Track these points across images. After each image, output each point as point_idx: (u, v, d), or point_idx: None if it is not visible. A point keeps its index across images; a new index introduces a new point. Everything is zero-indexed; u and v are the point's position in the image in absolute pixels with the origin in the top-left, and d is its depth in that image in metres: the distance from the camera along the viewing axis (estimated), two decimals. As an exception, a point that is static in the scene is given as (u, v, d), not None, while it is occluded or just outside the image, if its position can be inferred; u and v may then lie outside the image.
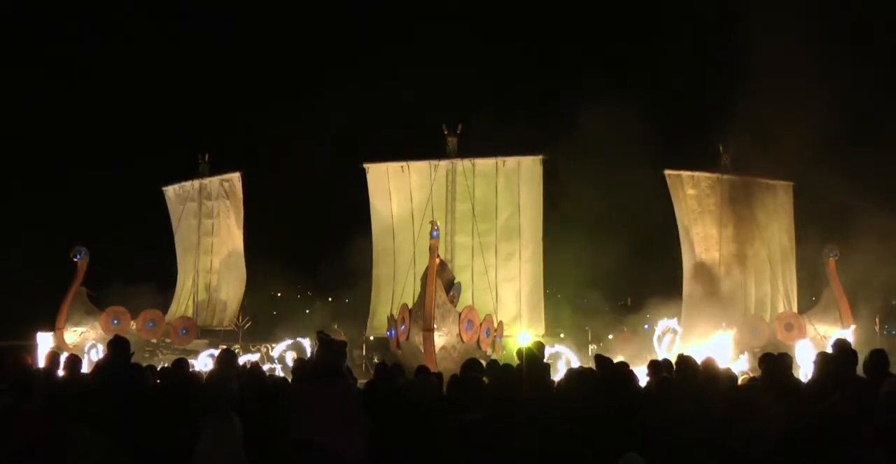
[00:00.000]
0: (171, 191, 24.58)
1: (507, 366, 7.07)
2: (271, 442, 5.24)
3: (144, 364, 8.63)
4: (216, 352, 11.08)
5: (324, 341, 5.60)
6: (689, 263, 21.89)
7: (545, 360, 6.95)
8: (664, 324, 19.54)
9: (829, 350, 6.65)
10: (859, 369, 6.13)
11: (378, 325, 21.98)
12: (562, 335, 23.68)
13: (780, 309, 21.47)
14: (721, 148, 21.91)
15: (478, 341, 18.25)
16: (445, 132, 22.01)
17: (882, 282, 20.05)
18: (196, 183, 23.89)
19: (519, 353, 6.77)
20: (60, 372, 8.00)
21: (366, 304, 23.24)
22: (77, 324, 20.54)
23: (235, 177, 23.48)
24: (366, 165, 22.95)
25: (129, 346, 6.64)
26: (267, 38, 44.91)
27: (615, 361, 7.67)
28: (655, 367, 7.68)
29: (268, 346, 20.77)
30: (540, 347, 7.17)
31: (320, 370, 5.20)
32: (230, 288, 23.44)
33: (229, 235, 23.64)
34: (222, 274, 23.59)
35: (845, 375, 5.89)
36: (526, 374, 6.49)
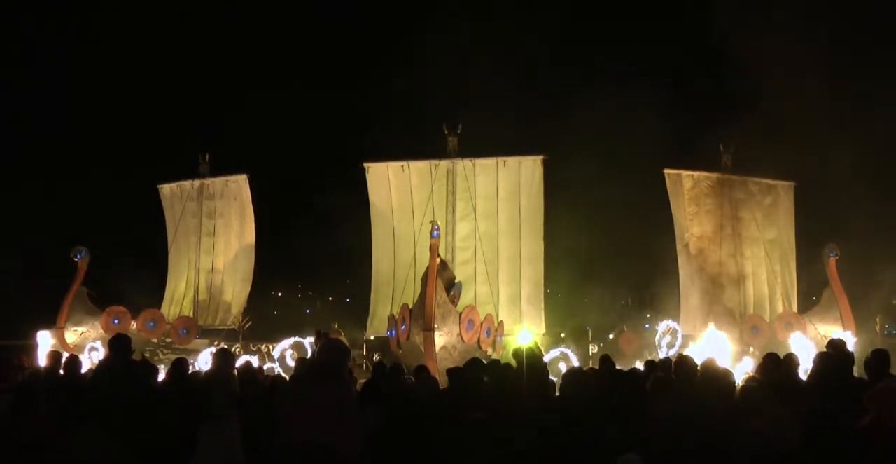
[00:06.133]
0: (166, 189, 24.52)
1: (508, 366, 7.08)
2: (270, 441, 5.25)
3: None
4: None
5: (327, 341, 5.59)
6: (687, 263, 21.88)
7: (546, 361, 6.96)
8: (665, 324, 19.55)
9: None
10: (857, 369, 6.14)
11: (378, 325, 21.98)
12: (562, 335, 23.71)
13: (780, 309, 21.48)
14: (721, 148, 21.92)
15: (478, 341, 18.24)
16: (446, 132, 22.02)
17: (882, 282, 20.07)
18: (197, 183, 23.85)
19: (517, 353, 6.77)
20: (61, 372, 8.00)
21: (366, 304, 23.25)
22: (77, 323, 20.54)
23: (242, 179, 23.51)
24: (366, 165, 22.95)
25: (129, 343, 6.63)
26: (266, 38, 44.95)
27: (617, 361, 7.69)
28: (653, 367, 7.69)
29: (268, 346, 20.76)
30: (538, 346, 7.18)
31: (319, 369, 5.20)
32: (235, 288, 23.46)
33: (235, 235, 23.65)
34: (226, 274, 23.59)
35: (842, 375, 5.89)
36: (526, 373, 6.49)
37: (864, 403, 4.68)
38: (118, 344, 6.52)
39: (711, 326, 19.12)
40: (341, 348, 5.33)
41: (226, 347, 11.15)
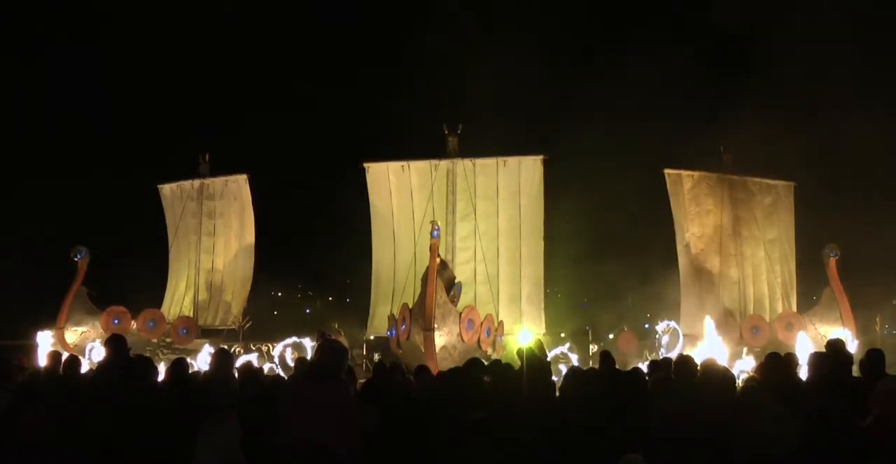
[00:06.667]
0: (166, 189, 24.51)
1: (508, 365, 7.08)
2: (269, 442, 5.25)
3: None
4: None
5: (325, 342, 5.59)
6: (687, 263, 21.87)
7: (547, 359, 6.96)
8: (665, 324, 19.55)
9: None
10: (855, 369, 6.14)
11: (378, 325, 21.97)
12: (562, 335, 23.71)
13: (780, 309, 21.47)
14: (721, 148, 21.92)
15: (478, 341, 18.25)
16: (446, 132, 22.01)
17: (882, 282, 20.09)
18: (197, 182, 23.84)
19: (519, 352, 6.78)
20: (61, 372, 8.00)
21: (366, 304, 23.24)
22: (78, 323, 20.52)
23: (242, 179, 23.51)
24: (366, 165, 22.94)
25: (125, 342, 6.64)
26: (266, 38, 44.95)
27: (617, 361, 7.68)
28: (655, 366, 7.69)
29: (268, 346, 20.76)
30: (540, 345, 7.18)
31: (318, 370, 5.20)
32: (235, 288, 23.45)
33: (235, 235, 23.64)
34: (227, 274, 23.59)
35: (840, 375, 5.88)
36: (527, 373, 6.50)
37: (868, 402, 4.68)
38: (115, 344, 6.52)
39: (711, 326, 19.12)
40: (338, 349, 5.34)
41: (225, 347, 11.13)
